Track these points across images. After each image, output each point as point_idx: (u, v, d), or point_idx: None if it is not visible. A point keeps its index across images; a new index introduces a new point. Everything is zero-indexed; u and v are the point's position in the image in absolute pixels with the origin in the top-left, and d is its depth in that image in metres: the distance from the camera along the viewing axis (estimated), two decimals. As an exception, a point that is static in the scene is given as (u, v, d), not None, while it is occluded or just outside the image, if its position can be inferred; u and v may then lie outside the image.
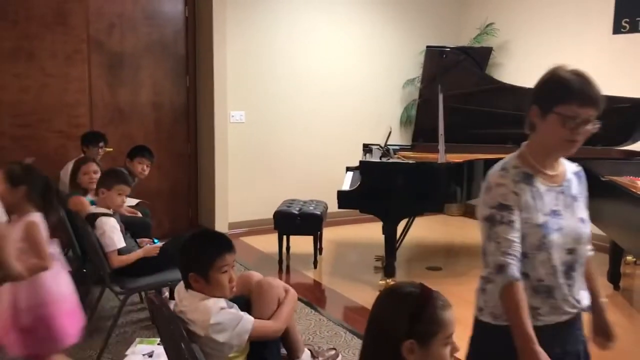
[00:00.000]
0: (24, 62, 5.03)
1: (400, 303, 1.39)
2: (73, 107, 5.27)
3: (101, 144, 4.63)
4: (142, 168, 4.52)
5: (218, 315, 1.98)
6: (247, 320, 2.04)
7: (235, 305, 2.07)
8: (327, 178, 5.85)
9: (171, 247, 3.42)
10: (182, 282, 2.10)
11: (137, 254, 3.33)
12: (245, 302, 2.24)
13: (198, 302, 2.00)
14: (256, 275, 2.40)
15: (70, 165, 4.32)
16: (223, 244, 2.06)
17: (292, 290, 2.34)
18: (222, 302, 2.03)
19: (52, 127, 5.19)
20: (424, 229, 6.18)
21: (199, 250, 2.04)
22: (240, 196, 6.03)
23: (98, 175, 3.88)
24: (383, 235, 4.41)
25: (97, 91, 5.37)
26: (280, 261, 4.93)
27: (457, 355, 1.48)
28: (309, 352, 2.46)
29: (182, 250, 2.07)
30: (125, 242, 3.32)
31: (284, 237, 4.99)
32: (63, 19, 5.14)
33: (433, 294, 1.40)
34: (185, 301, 2.04)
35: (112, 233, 3.22)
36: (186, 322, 1.99)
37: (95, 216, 3.28)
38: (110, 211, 3.35)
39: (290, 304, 2.28)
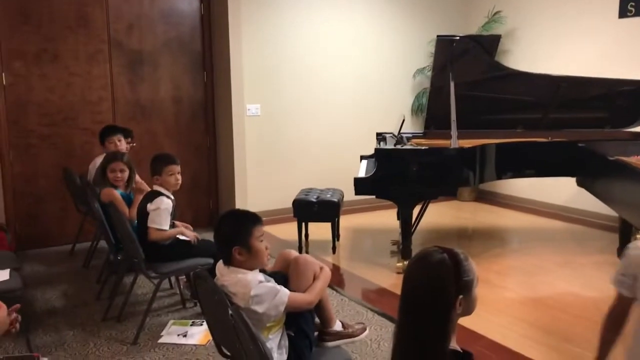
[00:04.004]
0: (49, 63, 5.22)
1: (442, 269, 1.52)
2: (96, 104, 5.45)
3: (128, 140, 4.69)
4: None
5: (257, 288, 2.16)
6: (284, 293, 2.22)
7: (272, 280, 2.26)
8: (342, 167, 6.02)
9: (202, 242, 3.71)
10: (221, 261, 2.28)
11: (173, 231, 3.58)
12: (282, 277, 2.42)
13: (239, 276, 2.19)
14: (294, 253, 2.60)
15: (99, 160, 4.50)
16: (255, 217, 2.29)
17: (326, 268, 2.53)
18: (260, 276, 2.22)
19: (77, 124, 5.38)
20: (438, 215, 6.34)
21: (238, 224, 2.24)
22: (259, 186, 6.20)
23: (125, 174, 4.03)
24: (398, 220, 4.56)
25: (119, 88, 5.56)
26: (300, 247, 5.08)
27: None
28: (340, 323, 2.65)
29: (221, 228, 2.26)
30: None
31: (303, 225, 5.14)
32: (84, 21, 5.32)
33: (454, 250, 1.57)
34: (226, 276, 2.22)
35: (163, 213, 3.49)
36: (227, 295, 2.18)
37: (157, 193, 3.55)
38: (171, 195, 3.59)
39: (323, 279, 2.47)
